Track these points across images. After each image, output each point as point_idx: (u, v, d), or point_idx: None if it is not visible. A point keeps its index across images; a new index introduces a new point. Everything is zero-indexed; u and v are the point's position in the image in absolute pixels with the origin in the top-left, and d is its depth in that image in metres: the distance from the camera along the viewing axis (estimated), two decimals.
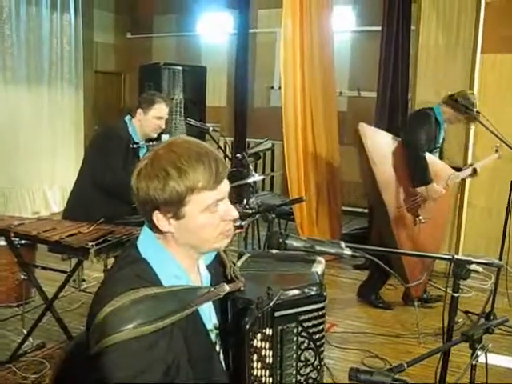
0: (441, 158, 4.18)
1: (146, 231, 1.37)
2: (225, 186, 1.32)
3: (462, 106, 3.85)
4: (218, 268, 1.49)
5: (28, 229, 2.97)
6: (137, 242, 1.36)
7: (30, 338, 3.27)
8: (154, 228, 1.32)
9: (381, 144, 3.96)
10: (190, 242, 1.32)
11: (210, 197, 1.28)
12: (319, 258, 1.76)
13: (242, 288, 1.40)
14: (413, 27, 5.29)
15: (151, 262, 1.31)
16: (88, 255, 2.78)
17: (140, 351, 1.17)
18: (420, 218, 3.94)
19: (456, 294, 1.66)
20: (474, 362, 1.47)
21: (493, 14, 4.80)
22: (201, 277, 1.42)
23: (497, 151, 3.96)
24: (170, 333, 1.22)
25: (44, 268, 3.38)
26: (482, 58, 4.86)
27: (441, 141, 4.12)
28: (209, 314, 1.39)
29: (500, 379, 3.14)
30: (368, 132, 3.97)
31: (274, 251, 1.70)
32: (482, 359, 1.48)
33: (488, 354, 1.47)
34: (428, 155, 3.86)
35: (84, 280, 4.29)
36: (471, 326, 3.71)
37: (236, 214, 1.35)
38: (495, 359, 3.28)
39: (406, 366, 1.32)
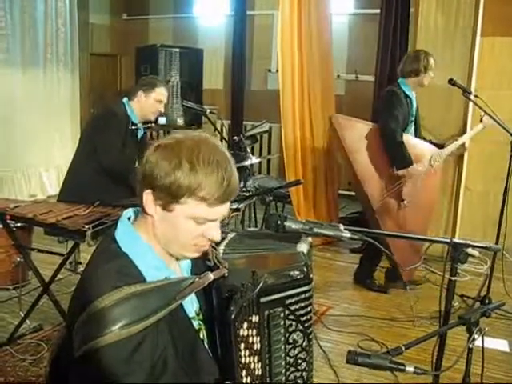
0: (418, 132, 4.18)
1: (123, 222, 1.36)
2: (223, 209, 1.29)
3: (422, 68, 3.91)
4: None
5: (24, 211, 2.97)
6: (114, 234, 1.33)
7: (27, 321, 3.27)
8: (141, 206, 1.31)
9: (357, 134, 3.93)
10: (164, 235, 1.30)
11: (202, 212, 1.25)
12: (304, 237, 1.74)
13: (226, 274, 1.36)
14: (412, 10, 5.24)
15: (131, 255, 1.28)
16: (84, 238, 2.77)
17: (126, 354, 1.15)
18: (405, 202, 3.94)
19: (453, 278, 1.66)
20: (470, 345, 1.48)
21: None
22: (179, 266, 1.40)
23: (481, 121, 3.95)
24: (155, 328, 1.20)
25: (40, 251, 3.39)
26: (482, 41, 4.82)
27: (414, 112, 4.09)
28: (190, 301, 1.36)
29: (495, 362, 3.16)
30: (343, 123, 3.94)
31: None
32: (477, 343, 1.48)
33: (484, 338, 1.48)
34: (406, 137, 3.86)
35: (80, 263, 4.27)
36: (468, 310, 3.74)
37: (218, 238, 1.32)
38: (491, 343, 3.32)
39: (403, 348, 1.32)
